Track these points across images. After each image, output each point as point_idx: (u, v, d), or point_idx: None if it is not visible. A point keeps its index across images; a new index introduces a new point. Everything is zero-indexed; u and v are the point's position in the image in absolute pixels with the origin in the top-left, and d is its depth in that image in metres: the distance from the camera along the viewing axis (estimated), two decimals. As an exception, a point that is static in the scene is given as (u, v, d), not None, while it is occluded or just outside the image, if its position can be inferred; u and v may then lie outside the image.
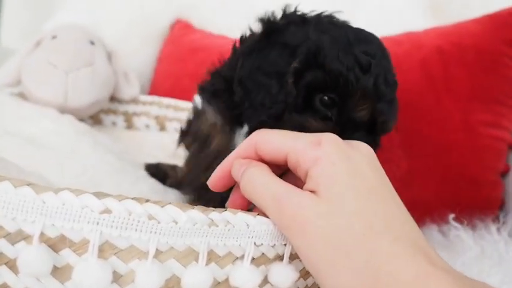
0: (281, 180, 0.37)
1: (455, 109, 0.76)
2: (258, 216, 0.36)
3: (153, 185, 0.64)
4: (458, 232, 0.65)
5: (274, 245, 0.38)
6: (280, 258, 0.38)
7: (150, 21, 1.39)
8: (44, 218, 0.30)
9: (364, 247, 0.32)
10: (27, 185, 0.31)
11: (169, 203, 0.34)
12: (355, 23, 0.54)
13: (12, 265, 0.31)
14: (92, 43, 0.91)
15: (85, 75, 0.84)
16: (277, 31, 0.52)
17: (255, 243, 0.36)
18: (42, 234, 0.30)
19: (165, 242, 0.33)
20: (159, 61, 1.32)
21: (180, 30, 1.32)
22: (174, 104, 1.06)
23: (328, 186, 0.34)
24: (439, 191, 0.76)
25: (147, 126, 1.06)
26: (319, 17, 0.53)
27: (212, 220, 0.34)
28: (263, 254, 0.37)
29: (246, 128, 0.54)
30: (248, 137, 0.41)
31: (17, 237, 0.31)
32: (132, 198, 0.32)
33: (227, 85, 0.54)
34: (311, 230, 0.33)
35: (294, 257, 0.39)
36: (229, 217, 0.35)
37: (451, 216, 0.67)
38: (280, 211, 0.35)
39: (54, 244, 0.31)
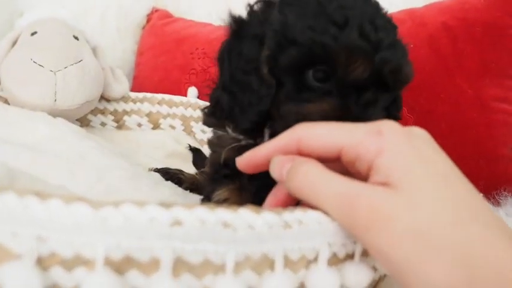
0: (342, 176, 0.34)
1: (467, 86, 0.75)
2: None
3: (172, 188, 0.60)
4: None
5: (345, 243, 0.34)
6: (350, 257, 0.35)
7: (126, 11, 1.32)
8: (108, 239, 0.26)
9: (455, 238, 0.29)
10: (80, 200, 0.26)
11: (242, 207, 0.30)
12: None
13: (69, 296, 0.26)
14: (76, 38, 0.84)
15: (74, 73, 0.77)
16: (245, 25, 0.49)
17: (327, 243, 0.33)
18: (105, 257, 0.26)
19: (242, 251, 0.29)
20: (140, 53, 1.26)
21: (160, 19, 1.26)
22: (168, 99, 1.00)
23: (403, 177, 0.31)
24: (457, 170, 0.75)
25: (139, 124, 1.00)
26: None
27: (286, 222, 0.31)
28: (334, 254, 0.34)
29: (266, 136, 0.50)
30: (288, 132, 0.38)
31: (75, 263, 0.26)
32: (201, 206, 0.28)
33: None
34: (394, 226, 0.30)
35: (364, 254, 0.36)
36: (302, 217, 0.32)
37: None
38: (351, 210, 0.31)
39: (118, 267, 0.26)
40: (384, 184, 0.31)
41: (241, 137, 0.52)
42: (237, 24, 0.49)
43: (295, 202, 0.40)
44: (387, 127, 0.34)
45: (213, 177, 0.55)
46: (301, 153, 0.37)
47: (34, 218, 0.25)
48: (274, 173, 0.38)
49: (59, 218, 0.25)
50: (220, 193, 0.52)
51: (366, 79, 0.43)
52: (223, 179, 0.53)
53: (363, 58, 0.42)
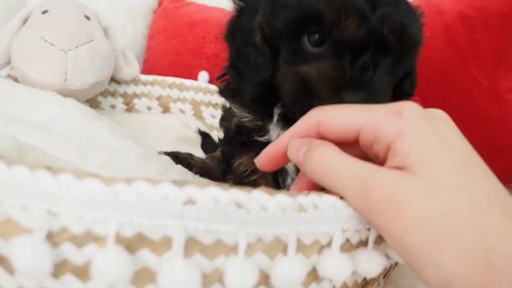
0: (358, 159, 0.33)
1: (482, 76, 0.73)
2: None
3: (181, 172, 0.59)
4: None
5: (359, 229, 0.34)
6: (363, 243, 0.35)
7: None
8: (120, 215, 0.25)
9: (470, 226, 0.28)
10: (92, 176, 0.26)
11: (255, 189, 0.29)
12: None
13: (79, 272, 0.26)
14: (88, 18, 0.83)
15: (85, 53, 0.77)
16: (247, 1, 0.49)
17: (341, 229, 0.32)
18: (116, 234, 0.25)
19: (254, 233, 0.28)
20: (151, 37, 1.25)
21: (171, 3, 1.25)
22: (179, 83, 0.99)
23: (420, 161, 0.30)
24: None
25: (149, 108, 0.99)
26: None
27: (301, 205, 0.30)
28: (347, 240, 0.33)
29: (276, 116, 0.51)
30: (306, 115, 0.37)
31: (85, 239, 0.25)
32: (214, 185, 0.28)
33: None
34: (409, 212, 0.29)
35: (377, 242, 0.35)
36: (317, 200, 0.31)
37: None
38: (366, 193, 0.31)
39: (130, 245, 0.26)
40: (401, 168, 0.31)
41: (248, 116, 0.52)
42: (241, 0, 0.49)
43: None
44: (407, 108, 0.33)
45: (229, 141, 0.56)
46: (322, 137, 0.36)
47: (45, 192, 0.25)
48: (292, 156, 0.37)
49: (70, 193, 0.25)
50: (244, 162, 0.52)
51: (363, 39, 0.40)
52: (241, 146, 0.53)
53: (354, 14, 0.40)
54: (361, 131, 0.34)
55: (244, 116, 0.53)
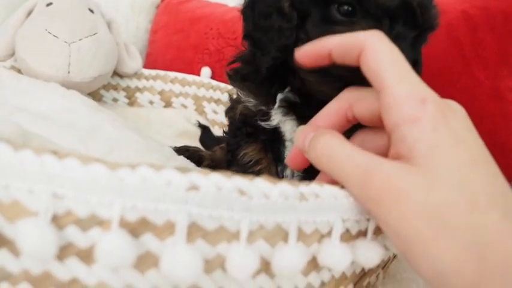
0: (362, 149, 0.33)
1: (483, 76, 0.73)
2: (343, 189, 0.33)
3: (183, 163, 0.59)
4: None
5: (359, 220, 0.34)
6: (362, 234, 0.35)
7: (140, -11, 1.30)
8: (124, 199, 0.25)
9: (469, 223, 0.28)
10: (97, 160, 0.26)
11: (258, 177, 0.29)
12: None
13: (83, 255, 0.26)
14: (92, 11, 0.84)
15: (89, 45, 0.77)
16: None
17: (341, 218, 0.33)
18: (120, 218, 0.26)
19: (256, 220, 0.29)
20: (154, 32, 1.25)
21: (174, -2, 1.25)
22: (181, 78, 0.99)
23: (428, 155, 0.30)
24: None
25: (151, 102, 0.99)
26: None
27: (302, 194, 0.30)
28: (347, 230, 0.34)
29: (278, 103, 0.52)
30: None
31: (90, 223, 0.26)
32: (218, 172, 0.28)
33: (254, 67, 0.52)
34: (408, 203, 0.29)
35: (376, 233, 0.36)
36: (318, 190, 0.31)
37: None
38: (367, 183, 0.31)
39: (133, 229, 0.26)
40: (406, 157, 0.31)
41: (252, 101, 0.53)
42: None
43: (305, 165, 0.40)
44: (432, 97, 0.32)
45: (235, 132, 0.57)
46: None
47: (51, 176, 0.25)
48: (298, 142, 0.38)
49: (75, 176, 0.25)
50: (249, 153, 0.54)
51: (396, 8, 0.42)
52: (246, 137, 0.55)
53: None
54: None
55: (249, 101, 0.54)
